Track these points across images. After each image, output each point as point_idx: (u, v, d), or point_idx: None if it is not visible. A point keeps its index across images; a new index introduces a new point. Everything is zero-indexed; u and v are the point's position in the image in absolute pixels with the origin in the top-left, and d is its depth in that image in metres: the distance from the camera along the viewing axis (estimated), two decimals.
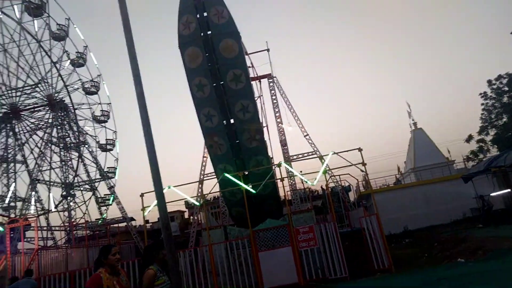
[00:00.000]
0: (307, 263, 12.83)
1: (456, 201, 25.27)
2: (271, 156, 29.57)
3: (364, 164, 14.19)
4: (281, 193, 18.09)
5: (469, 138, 36.99)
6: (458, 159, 37.86)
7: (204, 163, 28.55)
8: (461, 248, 13.27)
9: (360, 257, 14.85)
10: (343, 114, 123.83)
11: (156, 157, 3.98)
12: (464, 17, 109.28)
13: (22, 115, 35.64)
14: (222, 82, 14.29)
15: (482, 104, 37.03)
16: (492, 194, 21.08)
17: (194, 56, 13.98)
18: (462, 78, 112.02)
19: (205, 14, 13.70)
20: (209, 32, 13.81)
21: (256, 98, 29.67)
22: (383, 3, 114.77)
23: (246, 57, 30.81)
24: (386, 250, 12.76)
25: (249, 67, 40.44)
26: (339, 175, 27.32)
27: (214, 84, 14.27)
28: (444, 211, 25.27)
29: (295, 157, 28.83)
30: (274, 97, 29.49)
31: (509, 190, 22.27)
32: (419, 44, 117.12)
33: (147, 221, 32.46)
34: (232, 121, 14.94)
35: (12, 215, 31.60)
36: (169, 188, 14.36)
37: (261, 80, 30.19)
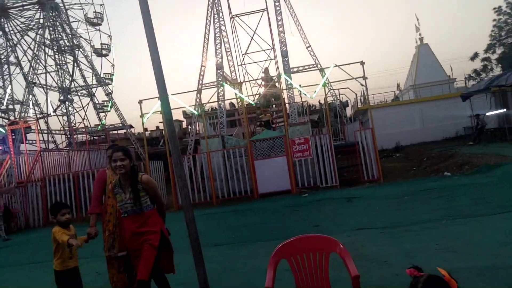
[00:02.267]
0: (300, 173, 13.42)
1: (451, 119, 25.54)
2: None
3: (365, 78, 14.02)
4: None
5: (474, 56, 36.10)
6: (460, 77, 37.47)
7: (202, 72, 28.07)
8: (448, 163, 13.82)
9: (351, 169, 15.51)
10: (347, 27, 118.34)
11: (158, 56, 3.85)
12: None
13: (11, 14, 33.85)
14: None
15: (494, 20, 35.37)
16: (487, 114, 21.26)
17: None
18: None
19: None
20: None
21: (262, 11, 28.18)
22: None
23: None
24: (377, 163, 13.28)
25: None
26: (338, 89, 27.19)
27: None
28: (438, 128, 25.70)
29: (295, 69, 28.26)
30: (277, 4, 27.81)
31: (504, 109, 22.40)
32: None
33: (146, 129, 33.03)
34: None
35: (12, 118, 31.95)
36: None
37: None
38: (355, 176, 14.15)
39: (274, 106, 28.59)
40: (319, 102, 42.24)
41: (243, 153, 13.94)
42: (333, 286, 3.27)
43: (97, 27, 37.83)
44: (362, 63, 14.01)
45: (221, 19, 28.43)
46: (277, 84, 19.46)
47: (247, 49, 29.41)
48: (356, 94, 25.45)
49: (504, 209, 6.77)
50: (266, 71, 29.41)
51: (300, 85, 19.67)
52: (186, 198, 3.63)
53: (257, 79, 29.07)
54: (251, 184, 13.57)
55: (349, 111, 36.89)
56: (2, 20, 33.37)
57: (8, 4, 33.20)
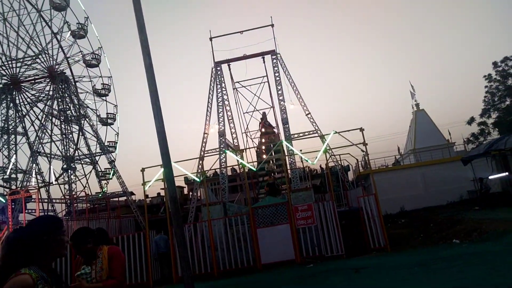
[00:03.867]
0: (304, 241, 13.03)
1: (454, 183, 25.39)
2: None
3: (365, 144, 14.21)
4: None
5: (471, 121, 36.89)
6: (458, 141, 37.93)
7: (205, 140, 28.56)
8: (456, 229, 13.45)
9: (356, 236, 15.10)
10: (345, 94, 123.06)
11: (164, 130, 3.95)
12: None
13: (23, 87, 35.41)
14: None
15: (486, 86, 36.75)
16: (490, 177, 21.18)
17: None
18: (467, 60, 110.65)
19: None
20: None
21: (262, 77, 29.63)
22: None
23: (250, 32, 30.31)
24: (382, 230, 12.94)
25: (253, 44, 40.05)
26: (339, 155, 27.41)
27: None
28: (441, 193, 25.44)
29: (296, 135, 28.78)
30: (277, 74, 29.11)
31: (507, 173, 22.35)
32: (423, 24, 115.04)
33: (147, 196, 32.78)
34: None
35: (13, 187, 31.92)
36: None
37: (265, 56, 29.78)
38: (361, 243, 13.70)
39: (276, 169, 28.67)
40: (320, 166, 42.40)
41: (245, 221, 13.66)
42: None
43: (104, 98, 39.37)
44: (361, 129, 14.28)
45: (223, 89, 29.60)
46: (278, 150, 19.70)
47: (245, 110, 30.32)
48: (357, 159, 25.69)
49: None
50: (264, 116, 29.93)
51: (301, 151, 19.92)
52: (188, 280, 3.47)
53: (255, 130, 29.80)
54: (254, 254, 13.11)
55: (351, 175, 36.83)
56: (14, 93, 34.82)
57: (21, 78, 34.88)
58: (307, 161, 17.71)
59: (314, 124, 29.21)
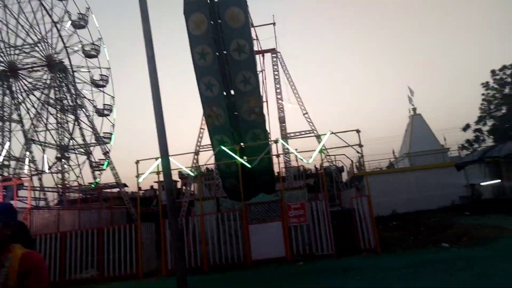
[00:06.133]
0: (295, 239, 13.07)
1: (446, 188, 25.57)
2: (268, 132, 29.74)
3: (361, 145, 14.25)
4: (276, 169, 18.32)
5: (466, 127, 37.15)
6: (453, 147, 38.12)
7: (200, 134, 28.51)
8: (447, 233, 13.56)
9: (348, 236, 15.15)
10: (343, 95, 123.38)
11: (163, 122, 3.97)
12: (470, 4, 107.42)
13: (20, 74, 35.10)
14: (225, 52, 13.99)
15: (483, 94, 36.98)
16: (482, 184, 21.36)
17: (198, 22, 13.62)
18: (466, 67, 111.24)
19: None
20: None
21: (258, 72, 29.50)
22: None
23: (252, 29, 30.21)
24: (374, 231, 13.00)
25: (254, 39, 39.93)
26: (334, 155, 27.48)
27: (217, 53, 13.93)
28: (433, 197, 25.60)
29: (292, 134, 28.82)
30: (276, 73, 29.11)
31: (499, 180, 22.54)
32: (422, 30, 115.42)
33: (140, 188, 32.67)
34: (232, 92, 14.78)
35: (6, 174, 31.69)
36: None
37: (265, 54, 29.72)
38: (352, 244, 13.75)
39: None
40: (315, 166, 42.47)
41: (237, 217, 13.67)
42: None
43: (101, 89, 39.15)
44: (358, 131, 14.32)
45: None
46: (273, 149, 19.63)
47: None
48: (352, 160, 25.80)
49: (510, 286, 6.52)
50: None
51: (296, 149, 19.92)
52: (181, 272, 3.46)
53: None
54: (245, 250, 13.13)
55: (345, 176, 36.96)
56: (11, 80, 34.51)
57: (18, 65, 34.58)
58: (302, 160, 17.73)
59: (311, 124, 29.27)
